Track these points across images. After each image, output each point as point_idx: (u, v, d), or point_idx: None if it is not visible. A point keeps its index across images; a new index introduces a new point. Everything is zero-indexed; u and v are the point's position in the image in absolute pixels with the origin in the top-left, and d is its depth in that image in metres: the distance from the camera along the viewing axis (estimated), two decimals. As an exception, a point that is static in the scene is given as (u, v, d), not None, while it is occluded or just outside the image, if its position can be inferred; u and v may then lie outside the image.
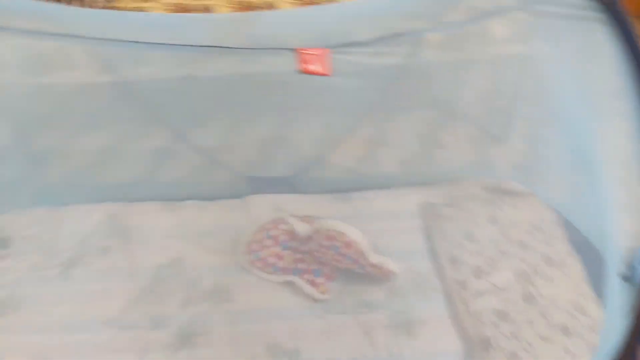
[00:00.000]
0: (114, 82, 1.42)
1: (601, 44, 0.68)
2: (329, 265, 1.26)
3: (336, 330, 1.20)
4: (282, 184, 1.54)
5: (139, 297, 1.29)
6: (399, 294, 1.25)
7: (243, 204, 1.52)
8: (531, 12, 1.00)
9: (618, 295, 0.55)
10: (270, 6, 1.66)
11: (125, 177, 1.63)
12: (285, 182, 1.55)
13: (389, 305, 1.23)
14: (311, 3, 1.67)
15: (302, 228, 1.28)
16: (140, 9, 1.66)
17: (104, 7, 1.65)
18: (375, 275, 1.24)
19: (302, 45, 0.98)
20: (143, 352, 1.18)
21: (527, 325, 1.08)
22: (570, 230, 1.29)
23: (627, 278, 0.54)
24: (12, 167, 1.54)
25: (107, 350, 1.18)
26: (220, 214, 1.50)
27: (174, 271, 1.35)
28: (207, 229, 1.46)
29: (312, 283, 1.26)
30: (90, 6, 1.63)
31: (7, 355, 1.18)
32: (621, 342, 0.54)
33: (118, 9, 1.65)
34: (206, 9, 1.67)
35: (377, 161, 1.65)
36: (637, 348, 0.53)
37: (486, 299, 1.15)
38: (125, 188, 1.59)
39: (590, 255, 1.16)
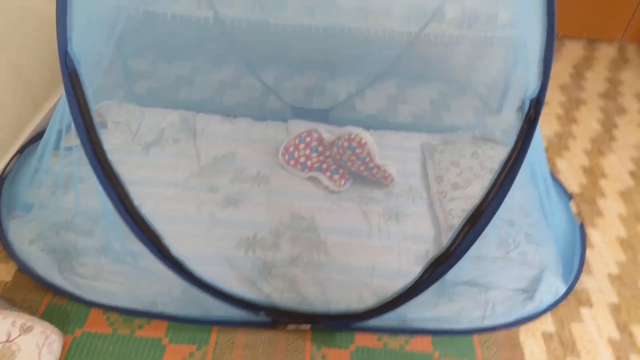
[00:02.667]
0: (207, 17, 1.86)
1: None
2: (345, 167, 1.67)
3: (344, 211, 1.60)
4: (317, 115, 1.96)
5: (199, 172, 1.72)
6: (393, 196, 1.65)
7: (285, 125, 1.94)
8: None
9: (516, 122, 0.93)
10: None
11: (196, 98, 2.10)
12: (320, 114, 1.96)
13: (385, 201, 1.63)
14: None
15: (328, 136, 1.69)
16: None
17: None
18: (378, 179, 1.64)
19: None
20: (200, 205, 1.60)
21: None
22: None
23: (519, 109, 0.92)
24: (111, 78, 2.01)
25: (174, 201, 1.60)
26: (266, 129, 1.93)
27: (227, 160, 1.77)
28: (255, 137, 1.89)
29: (331, 178, 1.66)
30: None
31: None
32: (510, 151, 0.93)
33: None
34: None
35: (394, 113, 2.07)
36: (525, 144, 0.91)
37: (457, 202, 1.54)
38: (195, 104, 2.04)
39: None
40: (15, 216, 1.48)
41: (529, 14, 1.25)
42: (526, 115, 0.88)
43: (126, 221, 1.04)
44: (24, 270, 1.35)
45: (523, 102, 0.90)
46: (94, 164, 1.01)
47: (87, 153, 1.01)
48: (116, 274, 1.34)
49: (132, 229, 1.04)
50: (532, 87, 0.91)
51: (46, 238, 1.39)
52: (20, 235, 1.41)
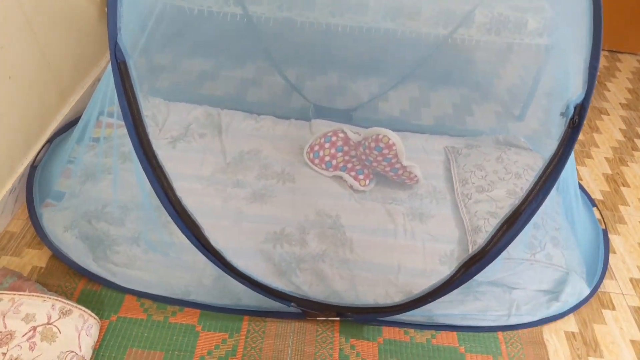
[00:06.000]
0: (234, 14, 1.88)
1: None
2: (370, 167, 1.69)
3: (368, 210, 1.62)
4: (340, 115, 1.98)
5: (225, 167, 1.74)
6: (417, 197, 1.67)
7: (308, 124, 1.97)
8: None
9: (557, 128, 0.95)
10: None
11: (219, 94, 2.12)
12: (343, 114, 1.99)
13: (409, 202, 1.65)
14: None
15: (354, 136, 1.71)
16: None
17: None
18: (403, 179, 1.67)
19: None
20: (226, 199, 1.62)
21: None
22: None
23: (563, 113, 0.94)
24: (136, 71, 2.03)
25: (201, 195, 1.62)
26: (290, 128, 1.95)
27: (253, 156, 1.79)
28: (279, 135, 1.91)
29: (355, 178, 1.69)
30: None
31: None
32: (553, 155, 0.95)
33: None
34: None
35: (417, 115, 2.09)
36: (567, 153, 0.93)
37: (483, 205, 1.56)
38: (218, 99, 2.06)
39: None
40: (48, 204, 1.51)
41: (566, 22, 1.28)
42: (570, 120, 0.90)
43: (169, 212, 1.06)
44: (59, 257, 1.37)
45: (567, 107, 0.92)
46: (140, 154, 1.03)
47: (133, 143, 1.03)
48: (149, 262, 1.37)
49: (175, 220, 1.07)
50: (574, 92, 0.93)
51: (80, 226, 1.42)
52: (54, 222, 1.44)
